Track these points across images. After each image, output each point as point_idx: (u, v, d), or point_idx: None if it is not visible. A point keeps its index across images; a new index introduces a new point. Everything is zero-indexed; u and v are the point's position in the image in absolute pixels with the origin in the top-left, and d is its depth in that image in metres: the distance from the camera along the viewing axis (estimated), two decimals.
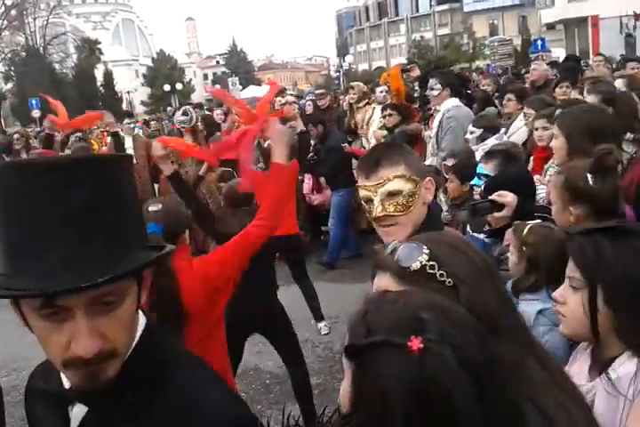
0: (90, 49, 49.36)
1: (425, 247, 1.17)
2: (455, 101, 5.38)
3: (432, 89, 5.40)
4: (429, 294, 1.01)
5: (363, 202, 1.98)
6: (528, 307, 2.12)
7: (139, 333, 1.07)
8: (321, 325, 5.42)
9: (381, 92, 7.72)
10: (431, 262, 1.15)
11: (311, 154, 7.29)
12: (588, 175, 2.08)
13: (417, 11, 68.54)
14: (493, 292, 1.16)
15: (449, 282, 1.13)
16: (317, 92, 10.09)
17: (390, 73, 8.32)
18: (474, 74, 15.14)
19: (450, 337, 0.87)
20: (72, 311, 0.93)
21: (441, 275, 1.14)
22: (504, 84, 8.89)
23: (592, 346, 1.53)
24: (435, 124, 5.45)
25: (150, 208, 2.43)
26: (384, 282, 1.19)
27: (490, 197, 2.63)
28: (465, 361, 0.85)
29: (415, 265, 1.15)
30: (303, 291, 5.54)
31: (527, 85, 7.16)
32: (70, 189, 0.91)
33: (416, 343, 0.85)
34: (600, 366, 1.47)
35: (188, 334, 2.35)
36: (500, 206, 2.57)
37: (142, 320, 1.10)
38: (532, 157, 4.09)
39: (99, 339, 0.95)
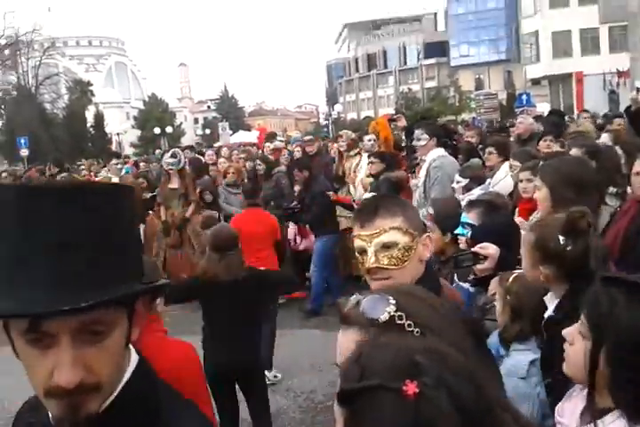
0: (81, 90, 49.84)
1: (390, 298, 1.15)
2: (441, 151, 5.47)
3: (419, 139, 5.51)
4: (423, 338, 1.00)
5: (357, 253, 1.92)
6: (520, 356, 2.10)
7: (130, 369, 1.04)
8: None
9: (369, 140, 7.83)
10: (399, 313, 1.12)
11: (294, 202, 7.33)
12: (560, 237, 2.06)
13: (405, 64, 70.29)
14: (458, 336, 1.14)
15: (417, 332, 1.11)
16: (306, 138, 10.22)
17: (378, 122, 8.50)
18: (459, 126, 15.42)
19: (446, 382, 0.84)
20: (57, 338, 0.91)
21: (409, 325, 1.11)
22: (485, 136, 9.07)
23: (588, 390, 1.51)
24: (422, 173, 5.52)
25: None
26: (350, 337, 1.15)
27: (472, 249, 2.63)
28: (461, 408, 0.83)
29: (384, 316, 1.12)
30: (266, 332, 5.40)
31: (512, 139, 7.30)
32: (59, 215, 0.90)
33: (412, 388, 0.82)
34: (592, 413, 1.44)
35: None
36: (484, 258, 2.57)
37: (134, 357, 1.07)
38: (517, 209, 4.13)
39: (82, 370, 0.92)
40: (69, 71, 58.95)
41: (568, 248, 2.03)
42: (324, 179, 7.58)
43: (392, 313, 1.12)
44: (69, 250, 0.90)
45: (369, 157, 7.01)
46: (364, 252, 1.88)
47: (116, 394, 1.01)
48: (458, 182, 4.72)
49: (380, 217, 1.86)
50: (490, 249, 2.57)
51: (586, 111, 9.71)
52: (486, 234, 2.76)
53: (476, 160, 6.42)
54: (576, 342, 1.48)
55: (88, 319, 0.92)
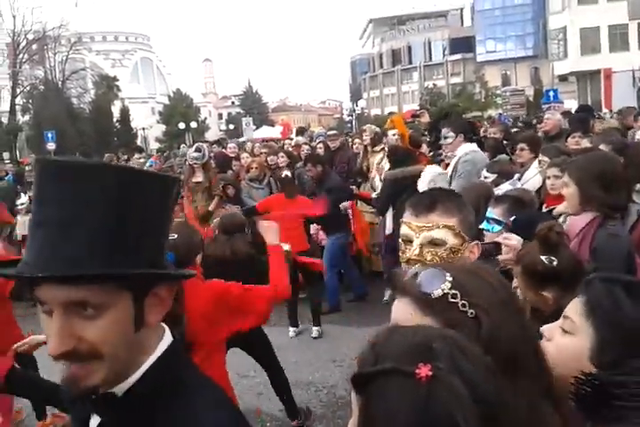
0: (108, 85, 50.39)
1: (448, 274, 1.13)
2: (472, 146, 5.43)
3: (445, 138, 5.49)
4: (443, 328, 0.99)
5: (401, 239, 1.87)
6: None
7: (157, 353, 1.06)
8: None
9: (394, 135, 7.79)
10: (453, 291, 1.11)
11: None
12: (542, 257, 2.04)
13: (430, 59, 69.85)
14: (517, 326, 1.11)
15: (471, 313, 1.09)
16: (329, 133, 10.17)
17: (394, 119, 8.51)
18: (485, 122, 15.28)
19: (461, 369, 0.83)
20: (53, 310, 0.96)
21: (463, 305, 1.09)
22: (514, 133, 8.96)
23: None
24: (449, 168, 5.48)
25: None
26: (403, 307, 1.15)
27: (495, 240, 2.62)
28: (475, 394, 0.82)
29: (437, 292, 1.11)
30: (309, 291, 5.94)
31: (540, 135, 7.20)
32: (72, 191, 0.94)
33: (424, 371, 0.81)
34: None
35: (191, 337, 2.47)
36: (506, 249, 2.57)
37: (165, 342, 1.09)
38: (544, 206, 4.07)
39: (73, 340, 0.96)
40: (96, 66, 59.66)
41: (554, 264, 2.03)
42: (335, 175, 7.53)
43: (446, 291, 1.11)
44: (71, 225, 0.94)
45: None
46: (409, 241, 1.83)
47: (137, 377, 1.03)
48: (485, 178, 4.67)
49: (437, 212, 1.82)
50: (513, 240, 2.56)
51: (618, 113, 9.56)
52: (527, 228, 2.74)
53: (503, 156, 6.35)
54: (555, 338, 1.43)
55: (74, 296, 0.94)
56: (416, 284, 1.15)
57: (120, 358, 1.00)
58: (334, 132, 10.41)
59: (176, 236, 2.65)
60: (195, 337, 2.52)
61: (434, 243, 1.80)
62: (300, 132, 13.50)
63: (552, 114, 7.32)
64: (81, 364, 0.97)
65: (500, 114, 23.54)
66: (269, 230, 3.15)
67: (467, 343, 0.91)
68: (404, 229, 1.86)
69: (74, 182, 0.94)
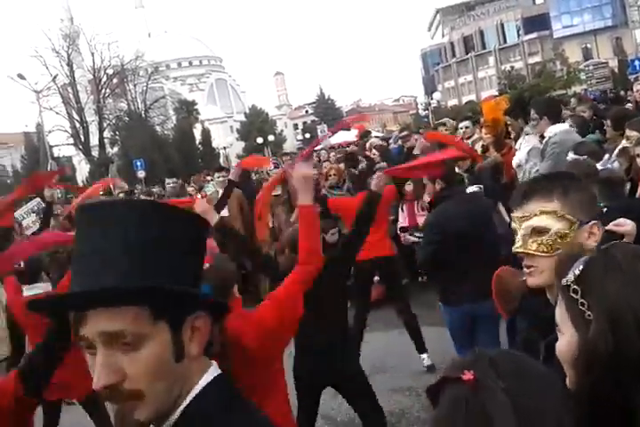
0: (187, 110, 52.14)
1: (581, 266, 1.08)
2: (562, 126, 5.08)
3: (532, 120, 5.24)
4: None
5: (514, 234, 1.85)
6: None
7: (199, 387, 1.05)
8: (424, 356, 5.31)
9: (462, 127, 7.49)
10: (574, 286, 1.06)
11: None
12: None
13: (504, 42, 68.28)
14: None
15: (588, 315, 1.03)
16: (401, 134, 9.88)
17: (482, 106, 8.04)
18: (572, 99, 14.44)
19: (507, 377, 0.88)
20: (95, 345, 0.99)
21: (582, 304, 1.04)
22: (598, 108, 8.35)
23: None
24: (521, 153, 5.30)
25: None
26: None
27: (606, 228, 2.31)
28: (516, 403, 0.86)
29: (564, 280, 1.09)
30: (398, 311, 5.56)
31: (630, 106, 6.61)
32: (108, 226, 1.01)
33: (468, 375, 0.88)
34: None
35: (241, 379, 2.23)
36: (621, 237, 2.23)
37: (210, 375, 1.07)
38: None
39: (113, 373, 0.97)
40: (174, 93, 61.94)
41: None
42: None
43: (567, 283, 1.07)
44: (109, 261, 0.99)
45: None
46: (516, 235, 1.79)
47: (180, 411, 1.03)
48: None
49: (534, 199, 1.74)
50: (627, 226, 2.22)
51: None
52: (625, 213, 2.39)
53: (592, 136, 5.91)
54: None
55: (112, 327, 0.97)
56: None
57: (160, 393, 1.01)
58: (405, 132, 10.14)
59: (207, 265, 2.46)
60: (251, 362, 2.38)
61: (536, 231, 1.72)
62: (364, 135, 13.18)
63: None
64: (122, 402, 1.00)
65: (586, 89, 22.47)
66: (304, 186, 2.76)
67: (524, 357, 0.95)
68: (512, 225, 1.83)
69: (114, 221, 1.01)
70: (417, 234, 6.79)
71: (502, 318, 3.28)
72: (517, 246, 1.76)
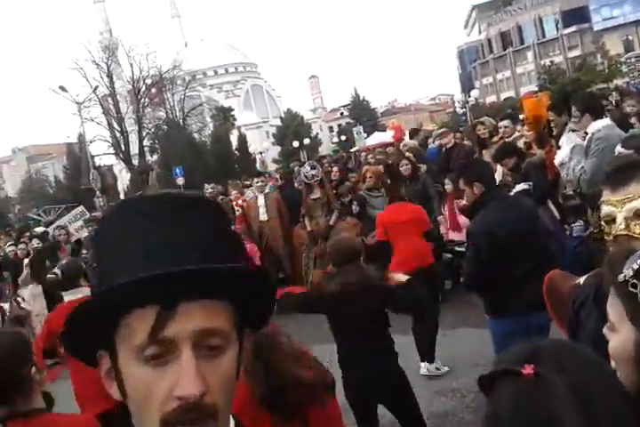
0: (224, 117, 52.64)
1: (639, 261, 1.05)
2: (605, 122, 4.93)
3: (575, 117, 5.08)
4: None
5: (603, 221, 1.79)
6: None
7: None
8: (422, 364, 5.29)
9: (502, 127, 7.34)
10: (633, 281, 1.04)
11: None
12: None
13: (543, 36, 67.30)
14: None
15: None
16: (438, 132, 9.71)
17: (523, 103, 7.87)
18: (613, 93, 13.96)
19: (568, 371, 0.86)
20: (177, 349, 0.82)
21: None
22: None
23: None
24: (563, 150, 5.04)
25: None
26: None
27: None
28: (579, 394, 0.83)
29: (621, 276, 1.06)
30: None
31: None
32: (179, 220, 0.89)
33: (529, 369, 0.85)
34: None
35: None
36: None
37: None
38: None
39: (201, 382, 0.81)
40: (211, 100, 62.73)
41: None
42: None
43: (627, 277, 1.05)
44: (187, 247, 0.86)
45: None
46: (612, 220, 1.73)
47: None
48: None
49: (635, 180, 1.69)
50: None
51: None
52: None
53: (637, 131, 5.70)
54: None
55: (208, 324, 0.83)
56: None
57: (227, 416, 0.87)
58: (443, 129, 10.03)
59: None
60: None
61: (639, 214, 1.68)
62: (415, 133, 12.80)
63: None
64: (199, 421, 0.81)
65: (628, 82, 21.83)
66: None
67: (587, 351, 0.93)
68: (605, 209, 1.77)
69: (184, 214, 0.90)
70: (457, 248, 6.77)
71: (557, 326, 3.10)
72: (620, 229, 1.71)
